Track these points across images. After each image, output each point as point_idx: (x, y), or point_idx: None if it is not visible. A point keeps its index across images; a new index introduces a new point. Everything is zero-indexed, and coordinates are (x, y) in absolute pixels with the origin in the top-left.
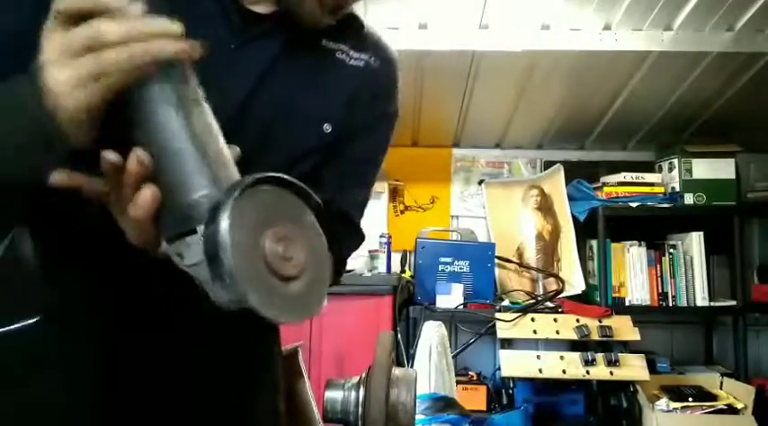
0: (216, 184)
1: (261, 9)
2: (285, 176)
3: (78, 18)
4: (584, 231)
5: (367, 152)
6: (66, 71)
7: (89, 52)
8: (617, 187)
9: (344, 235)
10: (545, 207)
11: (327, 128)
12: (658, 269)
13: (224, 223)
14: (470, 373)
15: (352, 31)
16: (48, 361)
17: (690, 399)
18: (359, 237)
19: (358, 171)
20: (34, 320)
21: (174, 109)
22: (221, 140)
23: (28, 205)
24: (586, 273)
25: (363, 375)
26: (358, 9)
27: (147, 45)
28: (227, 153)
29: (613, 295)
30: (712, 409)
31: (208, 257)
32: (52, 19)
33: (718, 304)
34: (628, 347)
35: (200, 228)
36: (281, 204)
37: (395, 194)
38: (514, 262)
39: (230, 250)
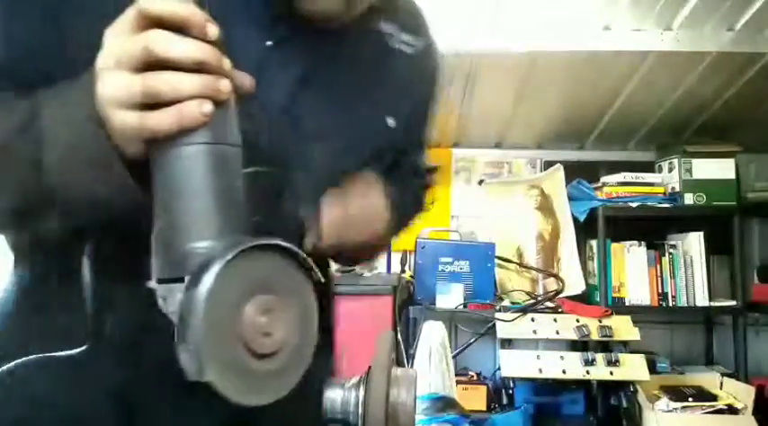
0: (219, 237)
1: None
2: (287, 245)
3: (152, 25)
4: (585, 231)
5: (421, 131)
6: (117, 85)
7: (148, 70)
8: (617, 187)
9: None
10: (545, 207)
11: (392, 123)
12: (658, 269)
13: (204, 287)
14: (470, 373)
15: (395, 7)
16: (89, 389)
17: (690, 399)
18: (424, 179)
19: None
20: (83, 348)
21: (202, 153)
22: (240, 187)
23: (96, 218)
24: (586, 273)
25: (363, 375)
26: None
27: (204, 105)
28: (243, 202)
29: (613, 295)
30: (712, 409)
31: (179, 316)
32: (127, 18)
33: (718, 304)
34: (628, 347)
35: (187, 280)
36: (277, 273)
37: None
38: (514, 262)
39: (202, 318)
